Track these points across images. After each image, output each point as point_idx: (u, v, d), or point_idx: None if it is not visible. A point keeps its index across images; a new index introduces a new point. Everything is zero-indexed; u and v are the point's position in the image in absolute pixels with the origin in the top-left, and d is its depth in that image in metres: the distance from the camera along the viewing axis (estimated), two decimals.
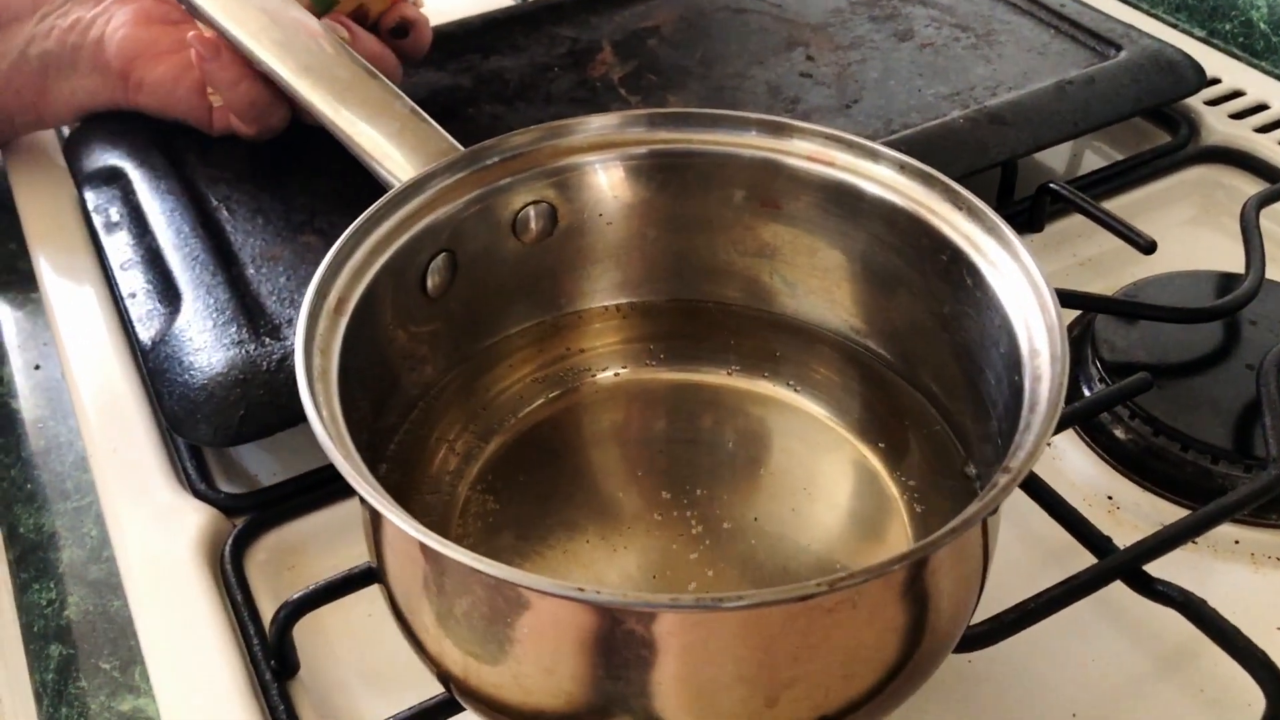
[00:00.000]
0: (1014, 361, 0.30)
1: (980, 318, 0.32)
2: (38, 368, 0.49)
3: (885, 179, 0.34)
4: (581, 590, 0.23)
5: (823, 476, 0.37)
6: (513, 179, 0.36)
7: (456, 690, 0.30)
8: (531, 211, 0.37)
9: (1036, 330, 0.30)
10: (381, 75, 0.39)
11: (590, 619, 0.25)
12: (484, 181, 0.35)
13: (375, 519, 0.30)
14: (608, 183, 0.37)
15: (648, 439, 0.38)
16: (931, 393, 0.36)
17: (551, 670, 0.27)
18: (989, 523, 0.30)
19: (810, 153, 0.35)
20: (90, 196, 0.51)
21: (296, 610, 0.36)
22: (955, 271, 0.33)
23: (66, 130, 0.60)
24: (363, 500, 0.31)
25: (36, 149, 0.60)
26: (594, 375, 0.39)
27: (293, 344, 0.42)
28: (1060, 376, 0.28)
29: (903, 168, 0.35)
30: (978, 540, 0.29)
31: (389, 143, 0.37)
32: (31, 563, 0.42)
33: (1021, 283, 0.32)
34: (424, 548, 0.26)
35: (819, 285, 0.37)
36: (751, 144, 0.35)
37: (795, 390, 0.38)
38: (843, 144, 0.35)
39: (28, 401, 0.48)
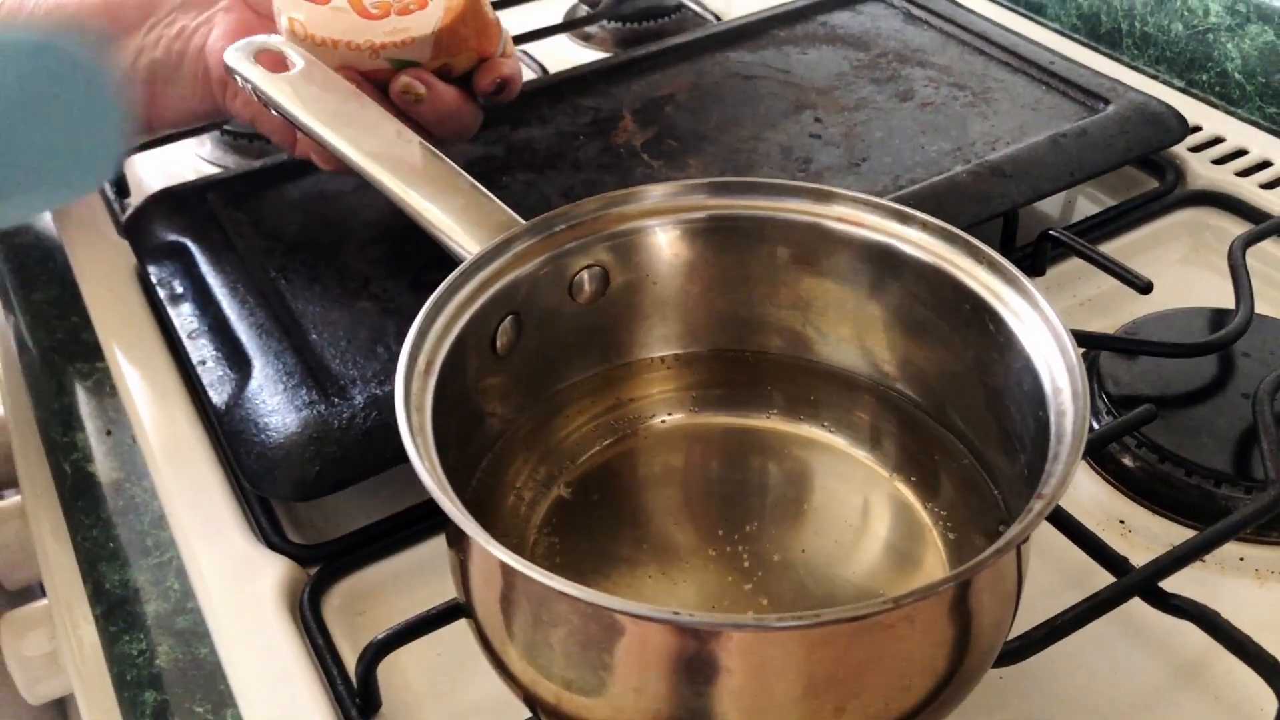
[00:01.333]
0: (1038, 399, 0.34)
1: (1004, 360, 0.36)
2: (109, 433, 0.52)
3: (912, 238, 0.38)
4: (676, 614, 0.27)
5: (861, 510, 0.40)
6: (572, 245, 0.39)
7: (545, 715, 0.33)
8: (586, 275, 0.41)
9: (1057, 370, 0.33)
10: (445, 157, 0.42)
11: (680, 640, 0.28)
12: (546, 249, 0.39)
13: (465, 557, 0.33)
14: (656, 246, 0.40)
15: (698, 480, 0.41)
16: (960, 430, 0.39)
17: (640, 690, 0.30)
18: (1023, 545, 0.33)
19: (844, 215, 0.38)
20: (154, 271, 0.54)
21: (382, 649, 0.39)
22: (978, 319, 0.37)
23: (119, 207, 0.64)
24: (455, 539, 0.34)
25: (92, 227, 0.63)
26: (646, 422, 0.42)
27: (359, 403, 0.46)
28: (1083, 411, 0.31)
29: (926, 226, 0.38)
30: (1014, 561, 0.32)
31: (456, 217, 0.40)
32: (119, 616, 0.45)
33: (1040, 327, 0.35)
34: (525, 579, 0.29)
35: (851, 334, 0.41)
36: (795, 209, 0.39)
37: (831, 431, 0.42)
38: (874, 207, 0.38)
39: (103, 465, 0.51)
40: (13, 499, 0.62)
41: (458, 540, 0.34)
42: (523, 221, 0.40)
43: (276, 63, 0.47)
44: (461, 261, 0.39)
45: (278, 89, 0.45)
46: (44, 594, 0.56)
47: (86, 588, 0.47)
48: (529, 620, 0.31)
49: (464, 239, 0.40)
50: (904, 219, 0.38)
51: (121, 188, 0.66)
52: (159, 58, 0.53)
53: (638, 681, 0.30)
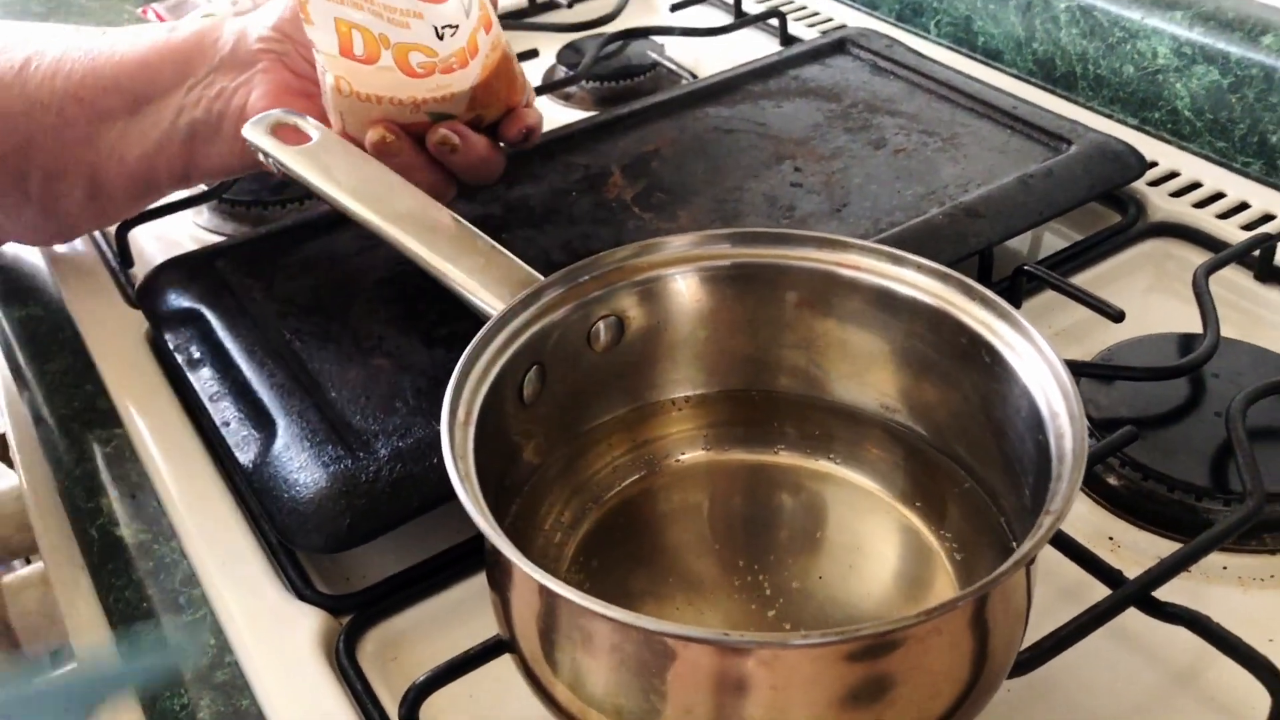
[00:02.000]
0: (1036, 424, 0.37)
1: (1001, 390, 0.39)
2: (134, 496, 0.53)
3: (909, 279, 0.41)
4: (726, 634, 0.29)
5: (872, 537, 0.42)
6: (594, 295, 0.42)
7: None
8: (602, 325, 0.43)
9: (1053, 395, 0.36)
10: (462, 219, 0.45)
11: (727, 660, 0.30)
12: (568, 300, 0.42)
13: (509, 592, 0.35)
14: (673, 293, 0.43)
15: (717, 514, 0.43)
16: (962, 458, 0.42)
17: (690, 712, 0.32)
18: (1032, 564, 0.35)
19: (849, 261, 0.41)
20: (170, 337, 0.56)
21: (424, 689, 0.41)
22: (975, 353, 0.39)
23: (125, 277, 0.65)
24: (499, 576, 0.36)
25: (99, 297, 0.65)
26: (665, 460, 0.44)
27: (384, 456, 0.48)
28: (1080, 431, 0.34)
29: (921, 268, 0.41)
30: (1024, 578, 0.35)
31: (479, 276, 0.42)
32: None
33: (1034, 357, 0.38)
34: (575, 607, 0.31)
35: (854, 371, 0.44)
36: (805, 256, 0.42)
37: (840, 464, 0.44)
38: (874, 253, 0.41)
39: (130, 528, 0.52)
40: (31, 567, 0.63)
41: (503, 576, 0.36)
42: (540, 277, 0.42)
43: (293, 135, 0.49)
44: (486, 317, 0.41)
45: (297, 161, 0.47)
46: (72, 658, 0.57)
47: (120, 648, 0.48)
48: (576, 649, 0.33)
49: (487, 296, 0.42)
50: (899, 261, 0.41)
51: (125, 258, 0.67)
52: (199, 117, 0.55)
53: (686, 704, 0.32)
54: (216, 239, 0.69)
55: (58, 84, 0.56)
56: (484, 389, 0.38)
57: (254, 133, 0.49)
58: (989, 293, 0.39)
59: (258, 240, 0.62)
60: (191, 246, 0.64)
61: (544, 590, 0.32)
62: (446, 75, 0.51)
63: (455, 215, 0.46)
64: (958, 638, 0.32)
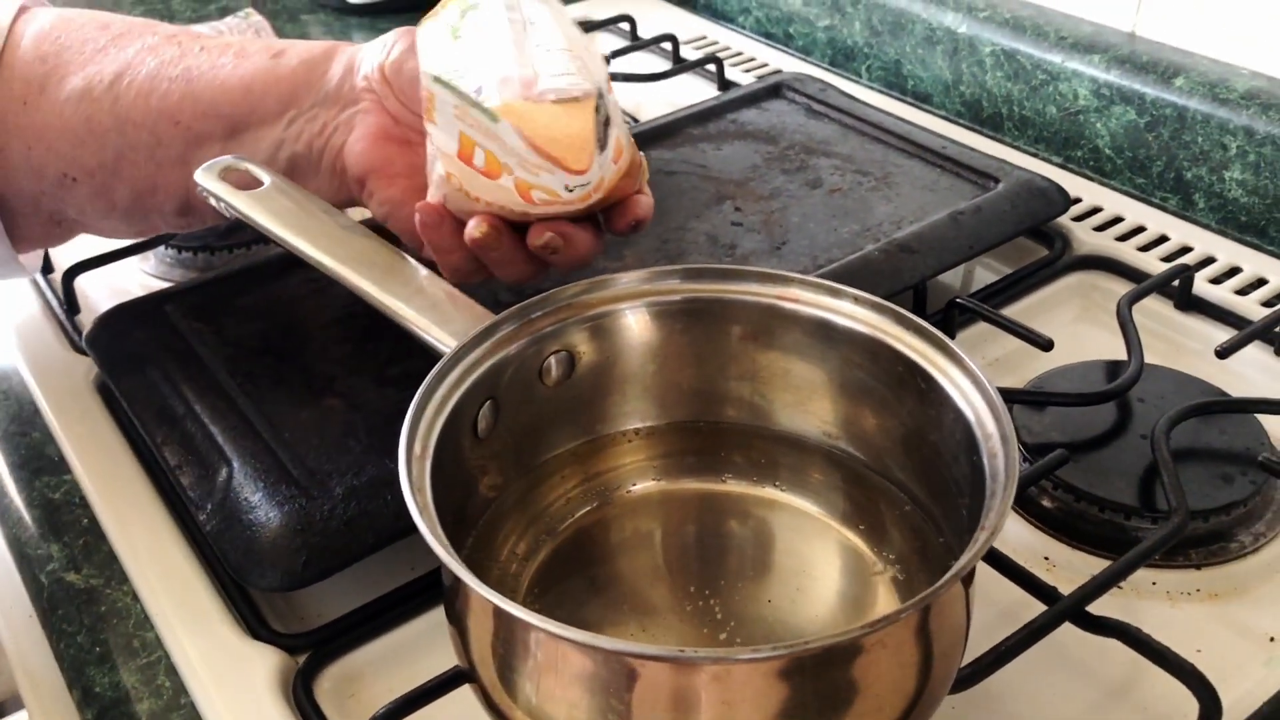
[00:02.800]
0: (970, 446, 0.38)
1: (937, 414, 0.40)
2: (85, 543, 0.53)
3: (848, 311, 0.43)
4: (681, 651, 0.30)
5: (818, 560, 0.44)
6: (546, 330, 0.43)
7: None
8: (553, 360, 0.44)
9: (985, 417, 0.38)
10: (411, 259, 0.46)
11: (682, 677, 0.31)
12: (521, 336, 0.43)
13: (467, 621, 0.36)
14: (623, 328, 0.44)
15: (669, 542, 0.44)
16: (901, 481, 0.44)
17: None
18: (970, 578, 0.37)
19: (790, 295, 0.43)
20: (119, 382, 0.56)
21: None
22: (911, 380, 0.41)
23: (72, 324, 0.66)
24: (457, 606, 0.36)
25: (45, 344, 0.65)
26: (617, 491, 0.45)
27: (339, 494, 0.48)
28: (1012, 451, 0.36)
29: (858, 300, 0.43)
30: (963, 591, 0.36)
31: (431, 314, 0.43)
32: (112, 718, 0.46)
33: (965, 382, 0.40)
34: (536, 631, 0.32)
35: (797, 400, 0.45)
36: (749, 291, 0.43)
37: (785, 490, 0.45)
38: (814, 286, 0.43)
39: (80, 574, 0.52)
40: None
41: (461, 605, 0.36)
42: (492, 314, 0.43)
43: (244, 180, 0.50)
44: (439, 354, 0.42)
45: (249, 205, 0.48)
46: (20, 707, 0.57)
47: (74, 694, 0.48)
48: (535, 673, 0.34)
49: (440, 333, 0.43)
50: (835, 293, 0.43)
51: (71, 305, 0.67)
52: (300, 152, 0.54)
53: None
54: (164, 285, 0.69)
55: (152, 103, 0.54)
56: (439, 423, 0.39)
57: (205, 178, 0.50)
58: (923, 322, 0.41)
59: (206, 285, 0.62)
60: (139, 293, 0.64)
61: (501, 614, 0.33)
62: (567, 207, 0.47)
63: (406, 255, 0.47)
64: (901, 650, 0.33)
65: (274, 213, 0.48)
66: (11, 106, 0.53)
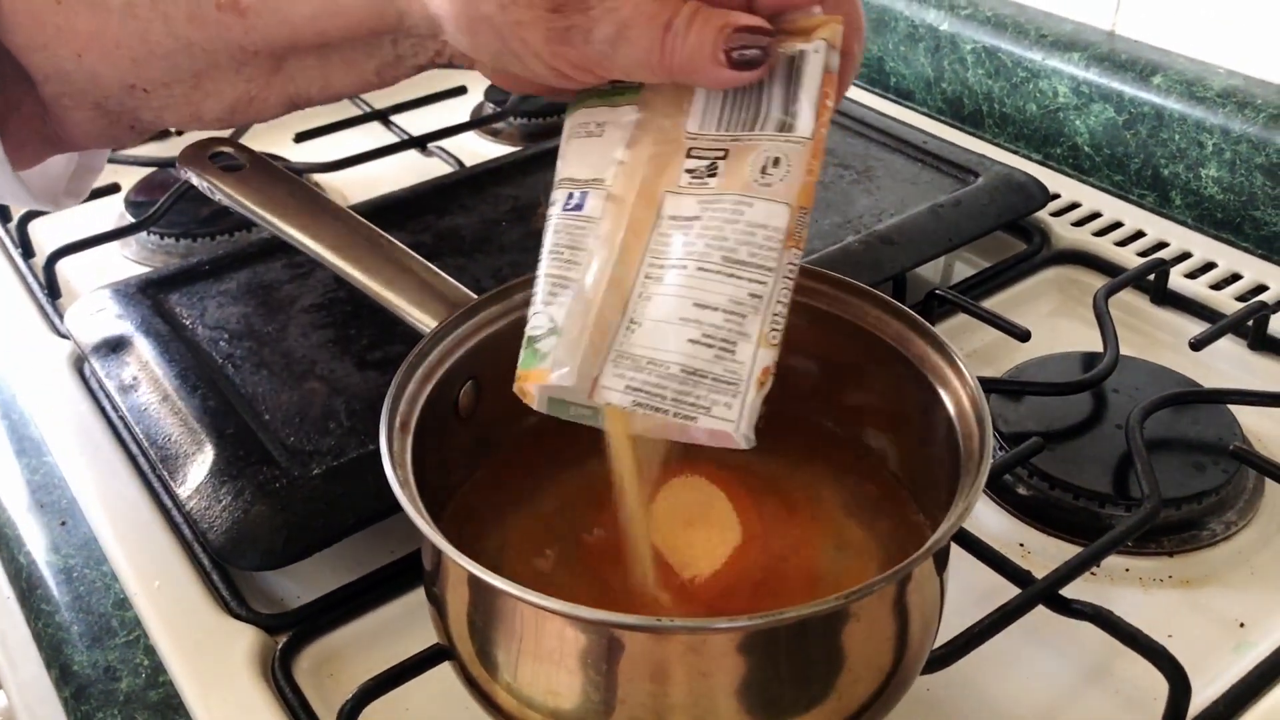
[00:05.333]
0: (947, 428, 0.39)
1: (914, 397, 0.41)
2: (64, 523, 0.53)
3: (829, 295, 0.43)
4: (659, 620, 0.30)
5: (800, 541, 0.44)
6: (521, 315, 0.43)
7: None
8: None
9: (963, 400, 0.39)
10: (396, 241, 0.46)
11: (660, 646, 0.32)
12: (504, 316, 0.43)
13: (445, 595, 0.36)
14: None
15: (654, 515, 0.44)
16: (878, 462, 0.44)
17: (625, 700, 0.33)
18: (945, 556, 0.37)
19: None
20: (100, 364, 0.56)
21: (363, 698, 0.42)
22: (889, 363, 0.42)
23: (53, 308, 0.65)
24: (436, 580, 0.37)
25: (24, 327, 0.65)
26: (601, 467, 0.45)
27: (319, 474, 0.49)
28: (986, 431, 0.36)
29: (837, 284, 0.43)
30: (937, 569, 0.37)
31: (412, 295, 0.44)
32: (91, 696, 0.46)
33: (944, 367, 0.40)
34: (514, 600, 0.32)
35: (781, 384, 0.46)
36: None
37: (768, 465, 0.46)
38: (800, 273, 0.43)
39: (60, 554, 0.52)
40: None
41: (440, 578, 0.37)
42: (473, 295, 0.44)
43: (228, 161, 0.50)
44: (421, 334, 0.42)
45: (232, 186, 0.48)
46: None
47: (52, 673, 0.48)
48: (514, 645, 0.34)
49: (422, 314, 0.43)
50: (822, 279, 0.43)
51: (53, 289, 0.67)
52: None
53: (622, 693, 0.33)
54: (146, 270, 0.69)
55: (210, 30, 0.43)
56: (420, 401, 0.39)
57: (188, 159, 0.50)
58: (902, 307, 0.42)
59: (189, 269, 0.62)
60: (121, 278, 0.64)
61: (478, 583, 0.33)
62: None
63: (389, 237, 0.47)
64: (876, 623, 0.34)
65: (256, 194, 0.48)
66: (44, 4, 0.44)
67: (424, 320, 0.43)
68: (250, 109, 0.46)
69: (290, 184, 0.49)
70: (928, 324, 0.41)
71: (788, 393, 0.46)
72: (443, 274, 0.45)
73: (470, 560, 0.32)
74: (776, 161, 0.35)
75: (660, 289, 0.36)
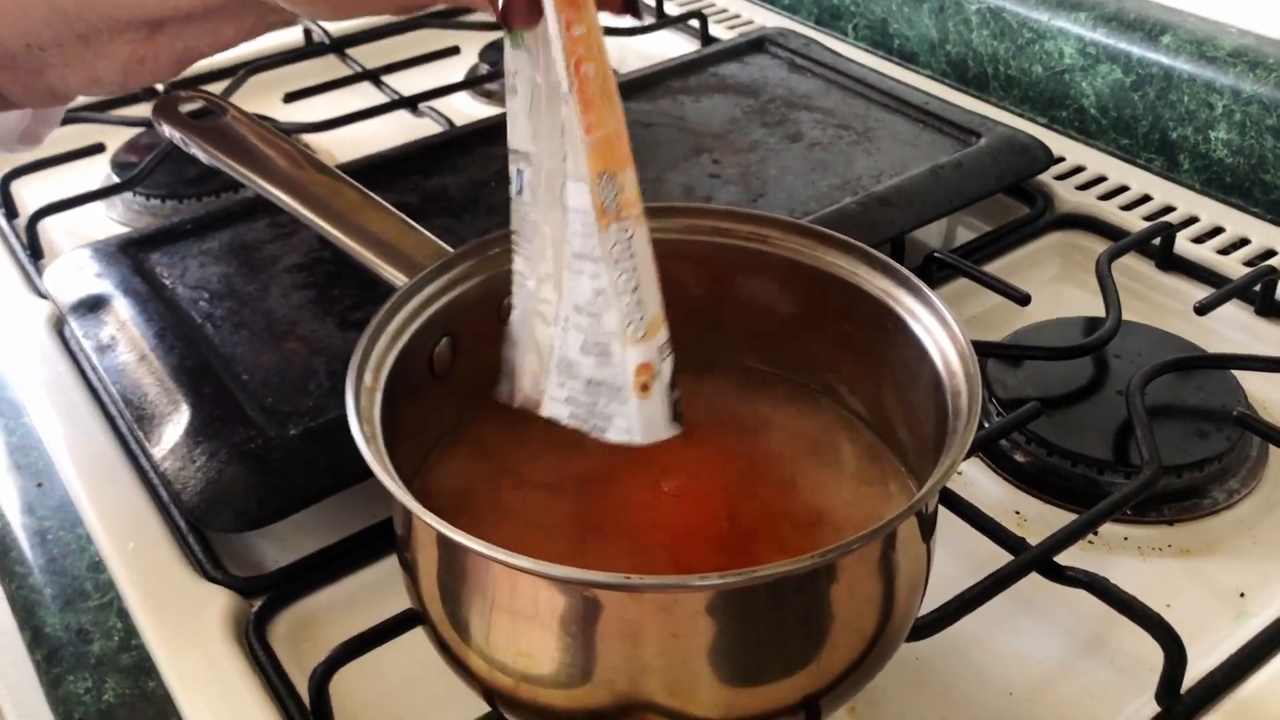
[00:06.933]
0: (936, 384, 0.37)
1: (903, 355, 0.39)
2: (40, 485, 0.52)
3: (818, 252, 0.42)
4: (628, 578, 0.29)
5: (778, 493, 0.42)
6: (496, 271, 0.42)
7: (506, 708, 0.35)
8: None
9: (951, 357, 0.37)
10: (373, 194, 0.45)
11: (630, 604, 0.30)
12: (481, 272, 0.42)
13: (417, 557, 0.35)
14: None
15: (628, 471, 0.42)
16: (866, 420, 0.43)
17: (600, 661, 0.32)
18: (932, 518, 0.36)
19: (757, 234, 0.42)
20: (79, 324, 0.55)
21: (333, 664, 0.41)
22: (878, 320, 0.40)
23: (35, 268, 0.64)
24: (408, 542, 0.36)
25: (6, 287, 0.64)
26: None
27: (296, 436, 0.47)
28: (975, 388, 0.35)
29: (825, 240, 0.42)
30: (925, 524, 0.35)
31: (387, 249, 0.42)
32: (63, 659, 0.45)
33: (933, 322, 0.39)
34: (483, 559, 0.31)
35: (761, 339, 0.44)
36: (716, 229, 0.42)
37: (749, 419, 0.44)
38: (782, 226, 0.42)
39: (35, 516, 0.51)
40: None
41: (411, 540, 0.35)
42: (449, 250, 0.42)
43: (202, 113, 0.49)
44: (396, 289, 0.41)
45: (205, 137, 0.47)
46: None
47: (25, 635, 0.47)
48: (484, 605, 0.33)
49: (396, 268, 0.42)
50: (807, 234, 0.42)
51: (35, 250, 0.66)
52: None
53: (599, 655, 0.32)
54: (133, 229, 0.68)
55: None
56: (392, 357, 0.38)
57: (161, 110, 0.48)
58: (892, 262, 0.40)
59: (170, 229, 0.61)
60: (103, 238, 0.63)
61: (447, 543, 0.32)
62: None
63: (365, 190, 0.46)
64: (857, 583, 0.32)
65: (228, 146, 0.46)
66: None
67: (397, 275, 0.42)
68: (144, 70, 0.46)
69: (263, 136, 0.48)
70: (914, 277, 0.40)
71: (770, 350, 0.45)
72: (419, 228, 0.44)
73: (435, 517, 0.31)
74: (562, 130, 0.32)
75: (563, 288, 0.33)
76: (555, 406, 0.36)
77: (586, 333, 0.34)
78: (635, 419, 0.33)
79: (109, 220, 0.71)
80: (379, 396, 0.37)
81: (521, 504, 0.42)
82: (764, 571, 0.29)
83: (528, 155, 0.35)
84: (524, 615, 0.32)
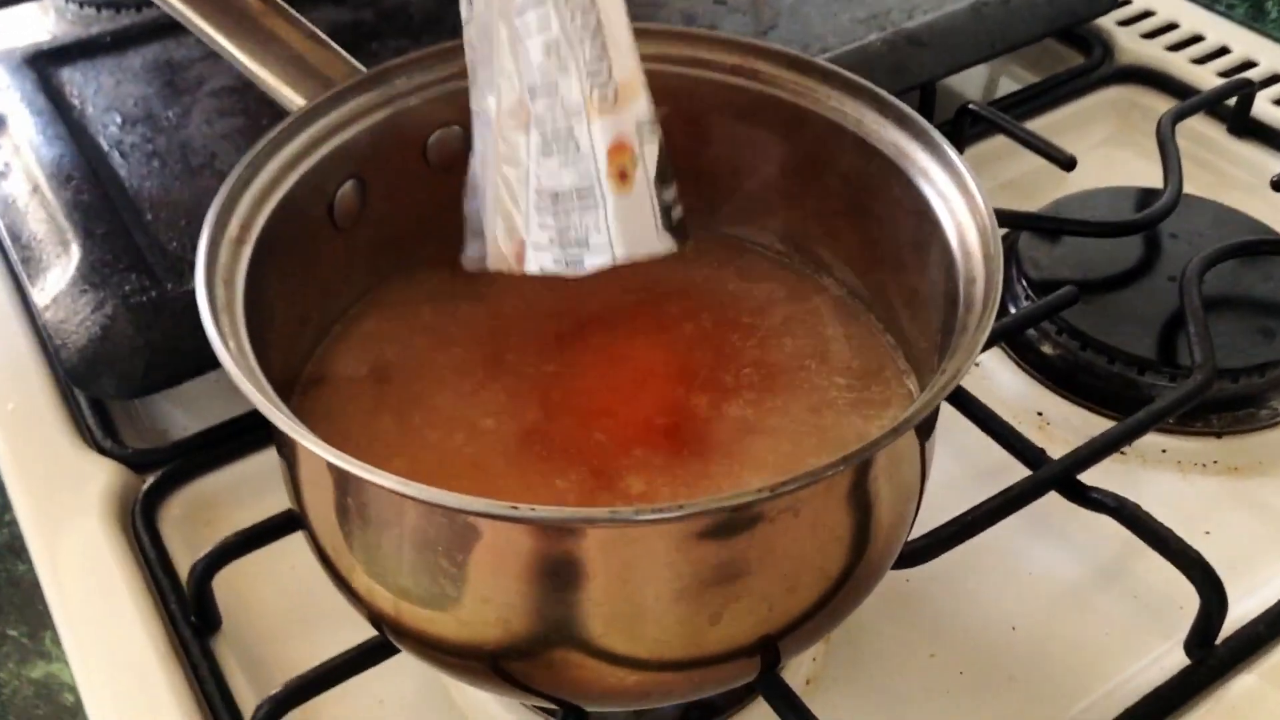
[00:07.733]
0: (947, 266, 0.30)
1: (911, 224, 0.32)
2: None
3: (812, 89, 0.33)
4: (516, 508, 0.22)
5: (766, 388, 0.35)
6: (422, 100, 0.34)
7: (390, 631, 0.29)
8: (442, 135, 0.35)
9: (969, 232, 0.29)
10: (284, 4, 0.37)
11: (527, 538, 0.24)
12: (392, 103, 0.34)
13: (292, 456, 0.29)
14: None
15: (567, 362, 0.36)
16: (865, 300, 0.35)
17: (488, 599, 0.25)
18: (926, 430, 0.29)
19: (741, 67, 0.34)
20: None
21: (214, 563, 0.35)
22: (885, 180, 0.32)
23: None
24: (279, 439, 0.29)
25: None
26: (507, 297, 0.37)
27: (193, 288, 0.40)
28: (994, 274, 0.27)
29: (827, 77, 0.34)
30: (915, 447, 0.28)
31: (286, 67, 0.35)
32: None
33: (951, 187, 0.31)
34: (346, 475, 0.24)
35: (744, 200, 0.36)
36: (671, 56, 0.34)
37: (733, 300, 0.37)
38: (769, 56, 0.33)
39: None
40: None
41: (282, 440, 0.29)
42: (362, 69, 0.34)
43: None
44: (289, 114, 0.33)
45: None
46: None
47: None
48: (364, 527, 0.27)
49: (298, 91, 0.34)
50: (804, 69, 0.33)
51: None
52: None
53: (484, 589, 0.26)
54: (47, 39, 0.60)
55: None
56: (273, 200, 0.31)
57: None
58: (905, 108, 0.32)
59: (88, 41, 0.53)
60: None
61: (316, 457, 0.25)
62: None
63: (281, 3, 0.37)
64: (821, 519, 0.26)
65: None
66: None
67: (293, 100, 0.34)
68: None
69: None
70: (931, 128, 0.31)
71: (752, 214, 0.37)
72: (331, 43, 0.36)
73: (290, 417, 0.24)
74: None
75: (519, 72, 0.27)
76: (540, 256, 0.28)
77: (546, 122, 0.26)
78: (613, 224, 0.25)
79: (44, 32, 0.63)
80: (248, 250, 0.29)
81: (447, 383, 0.35)
82: (695, 507, 0.22)
83: None
84: (408, 543, 0.26)
